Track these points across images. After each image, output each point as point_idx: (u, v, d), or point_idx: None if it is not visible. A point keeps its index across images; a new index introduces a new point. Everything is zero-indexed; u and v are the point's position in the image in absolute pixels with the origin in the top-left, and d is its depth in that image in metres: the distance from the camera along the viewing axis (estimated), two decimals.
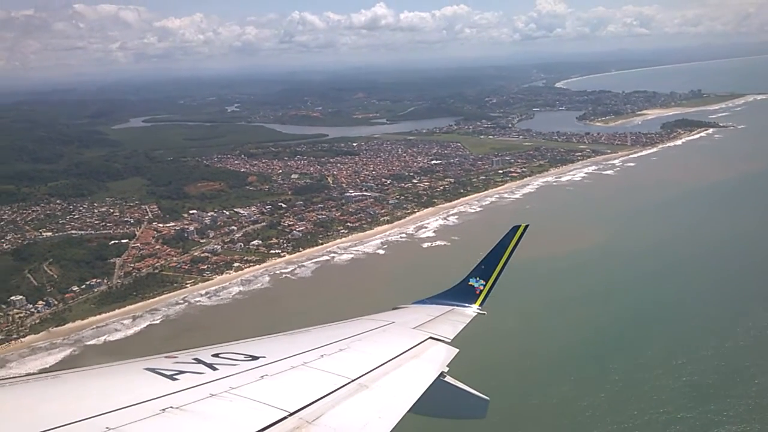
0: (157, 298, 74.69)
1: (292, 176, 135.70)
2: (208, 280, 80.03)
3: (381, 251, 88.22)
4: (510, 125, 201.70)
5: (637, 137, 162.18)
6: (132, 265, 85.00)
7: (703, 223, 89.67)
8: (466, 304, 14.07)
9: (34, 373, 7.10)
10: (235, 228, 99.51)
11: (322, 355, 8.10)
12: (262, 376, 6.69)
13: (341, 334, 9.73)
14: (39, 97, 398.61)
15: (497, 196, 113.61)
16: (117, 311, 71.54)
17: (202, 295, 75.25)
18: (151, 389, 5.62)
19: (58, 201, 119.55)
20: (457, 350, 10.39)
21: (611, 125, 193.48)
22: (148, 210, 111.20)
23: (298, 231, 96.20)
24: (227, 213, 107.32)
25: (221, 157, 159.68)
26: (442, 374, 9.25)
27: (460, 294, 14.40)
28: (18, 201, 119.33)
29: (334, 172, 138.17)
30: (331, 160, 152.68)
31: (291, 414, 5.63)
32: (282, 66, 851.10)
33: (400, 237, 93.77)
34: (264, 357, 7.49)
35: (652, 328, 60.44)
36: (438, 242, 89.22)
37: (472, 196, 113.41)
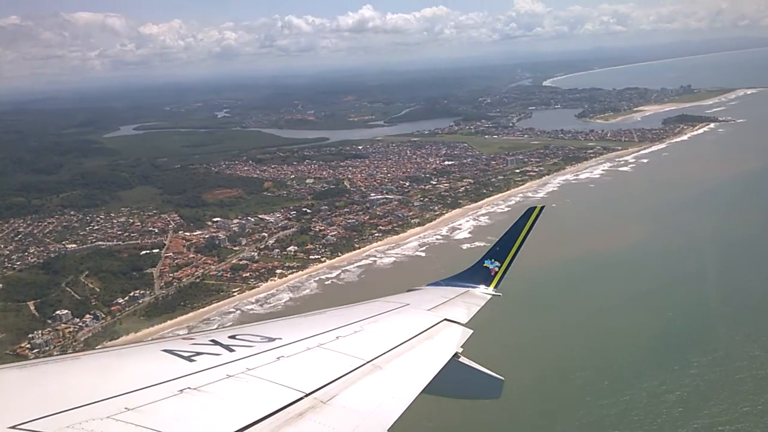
0: (207, 308, 73.19)
1: (307, 181, 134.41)
2: (254, 287, 78.71)
3: (421, 253, 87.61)
4: (511, 124, 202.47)
5: (642, 133, 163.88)
6: (171, 275, 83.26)
7: (740, 217, 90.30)
8: (481, 286, 14.10)
9: (54, 355, 7.29)
10: (266, 234, 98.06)
11: (337, 337, 8.21)
12: (278, 358, 6.81)
13: (356, 316, 9.80)
14: (18, 107, 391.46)
15: (521, 195, 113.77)
16: (169, 322, 69.98)
17: (252, 303, 74.05)
18: (169, 370, 5.73)
19: (72, 212, 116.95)
20: (471, 331, 10.43)
21: (612, 122, 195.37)
22: (169, 219, 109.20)
23: (332, 236, 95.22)
24: (252, 220, 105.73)
25: (229, 164, 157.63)
26: (456, 355, 9.33)
27: (475, 276, 14.43)
28: (31, 213, 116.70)
29: (349, 176, 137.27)
30: (342, 163, 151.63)
31: (307, 395, 5.74)
32: (262, 70, 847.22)
33: (436, 239, 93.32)
34: (280, 339, 7.61)
35: (717, 324, 60.71)
36: (477, 243, 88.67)
37: (496, 196, 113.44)
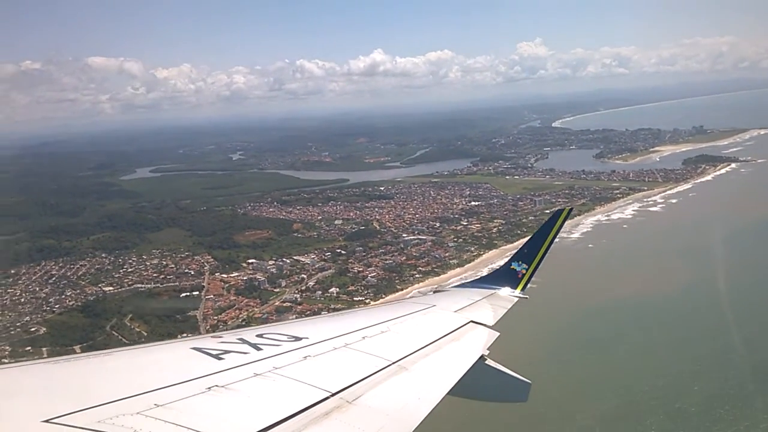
0: None
1: (336, 222, 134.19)
2: None
3: None
4: (529, 165, 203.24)
5: (666, 173, 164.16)
6: (215, 317, 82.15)
7: None
8: (509, 288, 14.31)
9: (85, 353, 7.44)
10: (305, 276, 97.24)
11: (363, 337, 8.28)
12: (305, 357, 6.90)
13: (383, 317, 9.91)
14: (32, 150, 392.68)
15: (558, 236, 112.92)
16: None
17: None
18: (197, 368, 5.83)
19: (103, 254, 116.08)
20: (498, 333, 10.49)
21: (631, 162, 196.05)
22: (203, 261, 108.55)
23: (372, 277, 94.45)
24: (288, 261, 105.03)
25: (254, 206, 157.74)
26: (482, 357, 9.37)
27: (502, 278, 14.67)
28: (62, 255, 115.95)
29: (377, 217, 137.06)
30: (367, 204, 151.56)
31: (333, 394, 5.78)
32: (269, 113, 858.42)
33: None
34: (307, 338, 7.72)
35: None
36: None
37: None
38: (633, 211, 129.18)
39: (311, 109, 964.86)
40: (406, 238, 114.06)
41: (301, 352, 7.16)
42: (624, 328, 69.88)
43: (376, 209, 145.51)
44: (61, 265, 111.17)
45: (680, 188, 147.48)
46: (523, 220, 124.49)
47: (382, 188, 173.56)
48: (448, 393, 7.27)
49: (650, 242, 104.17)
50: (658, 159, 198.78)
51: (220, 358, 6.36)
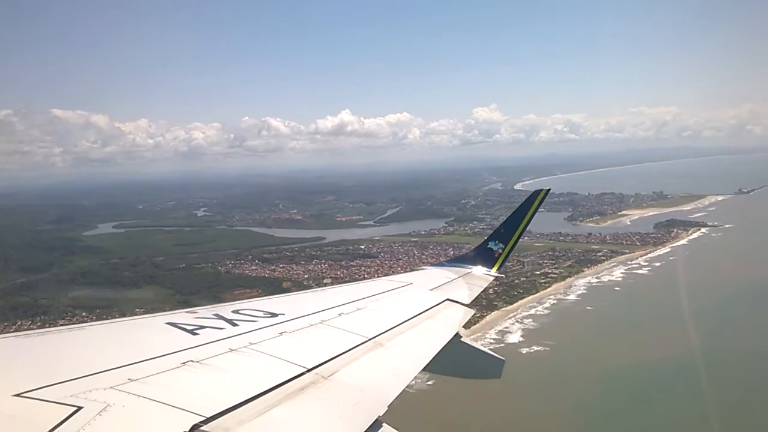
0: None
1: (325, 281, 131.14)
2: None
3: None
4: None
5: (642, 237, 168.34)
6: None
7: None
8: (484, 268, 14.55)
9: (57, 326, 7.15)
10: None
11: (339, 314, 8.39)
12: (280, 333, 6.95)
13: (359, 294, 10.07)
14: None
15: (553, 297, 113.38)
16: None
17: None
18: (172, 343, 5.83)
19: (84, 313, 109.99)
20: (473, 311, 10.82)
21: (603, 225, 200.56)
22: None
23: None
24: None
25: (235, 263, 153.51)
26: (458, 335, 9.47)
27: (479, 257, 14.94)
28: (39, 314, 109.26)
29: (365, 276, 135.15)
30: (352, 263, 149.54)
31: (308, 370, 5.82)
32: (227, 170, 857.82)
33: (489, 342, 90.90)
34: (283, 314, 7.81)
35: None
36: (534, 347, 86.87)
37: (528, 298, 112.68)
38: (621, 273, 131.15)
39: (270, 166, 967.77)
40: None
41: (277, 328, 7.13)
42: (646, 394, 69.38)
43: (363, 268, 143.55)
44: (39, 324, 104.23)
45: (660, 251, 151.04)
46: (516, 282, 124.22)
47: (362, 247, 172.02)
48: (423, 369, 7.32)
49: (645, 305, 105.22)
50: (629, 222, 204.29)
51: (195, 333, 6.31)
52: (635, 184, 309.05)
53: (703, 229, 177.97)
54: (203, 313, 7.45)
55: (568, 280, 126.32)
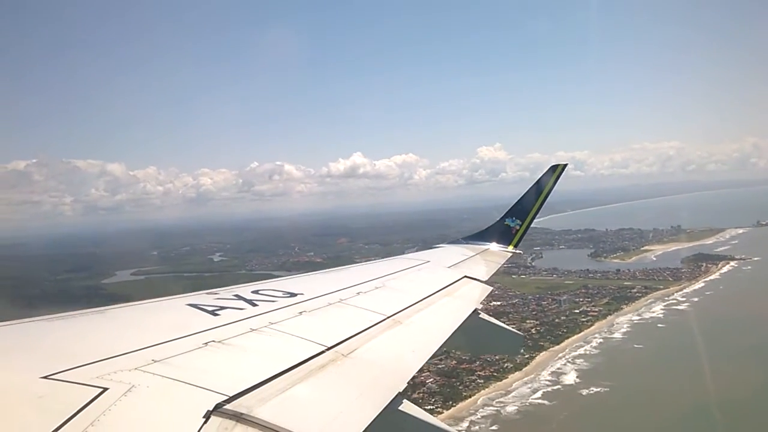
0: None
1: None
2: None
3: (542, 401, 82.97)
4: (529, 264, 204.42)
5: (672, 272, 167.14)
6: None
7: None
8: (502, 244, 14.78)
9: (80, 310, 6.69)
10: None
11: (358, 293, 8.44)
12: (300, 312, 7.00)
13: (377, 273, 10.15)
14: None
15: (599, 336, 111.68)
16: None
17: None
18: (193, 324, 5.88)
19: None
20: (491, 288, 10.72)
21: (629, 261, 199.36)
22: None
23: (431, 383, 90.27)
24: None
25: None
26: (476, 311, 9.38)
27: (496, 234, 15.27)
28: None
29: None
30: None
31: (328, 348, 5.84)
32: (234, 214, 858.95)
33: (545, 384, 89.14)
34: (302, 294, 7.87)
35: None
36: (593, 388, 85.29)
37: (574, 338, 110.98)
38: (661, 310, 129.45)
39: (276, 210, 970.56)
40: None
41: (297, 307, 7.18)
42: None
43: None
44: None
45: (695, 286, 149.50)
46: (557, 321, 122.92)
47: None
48: (443, 346, 7.34)
49: (694, 341, 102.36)
50: (654, 258, 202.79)
51: (216, 314, 6.36)
52: (649, 219, 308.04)
53: (732, 263, 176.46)
54: (223, 294, 7.53)
55: (609, 318, 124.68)
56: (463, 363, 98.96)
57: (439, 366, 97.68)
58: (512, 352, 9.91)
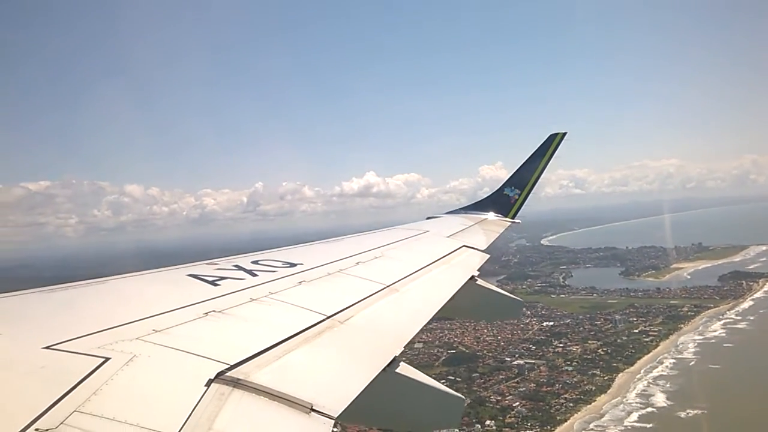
0: None
1: (416, 345, 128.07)
2: None
3: (642, 423, 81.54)
4: (564, 284, 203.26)
5: (717, 291, 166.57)
6: None
7: None
8: (500, 214, 14.78)
9: (80, 281, 6.40)
10: None
11: (357, 263, 8.45)
12: (299, 282, 6.98)
13: (376, 243, 10.14)
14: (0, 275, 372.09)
15: (669, 356, 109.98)
16: None
17: None
18: (194, 294, 5.86)
19: None
20: (489, 255, 10.87)
21: (663, 280, 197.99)
22: None
23: (521, 407, 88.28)
24: None
25: None
26: (473, 278, 9.33)
27: (495, 204, 15.13)
28: None
29: (453, 338, 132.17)
30: (428, 326, 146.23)
31: (327, 317, 5.87)
32: (236, 234, 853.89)
33: (635, 407, 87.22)
34: (301, 264, 7.87)
35: None
36: (690, 411, 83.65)
37: (645, 358, 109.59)
38: (720, 329, 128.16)
39: (278, 230, 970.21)
40: (517, 362, 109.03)
41: (296, 277, 7.16)
42: None
43: (445, 331, 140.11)
44: None
45: (744, 304, 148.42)
46: (619, 341, 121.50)
47: None
48: (443, 313, 7.50)
49: None
50: (687, 276, 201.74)
51: (217, 284, 6.34)
52: (664, 237, 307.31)
53: None
54: (223, 264, 7.52)
55: (672, 338, 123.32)
56: (543, 386, 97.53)
57: (520, 389, 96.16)
58: (513, 316, 9.97)
